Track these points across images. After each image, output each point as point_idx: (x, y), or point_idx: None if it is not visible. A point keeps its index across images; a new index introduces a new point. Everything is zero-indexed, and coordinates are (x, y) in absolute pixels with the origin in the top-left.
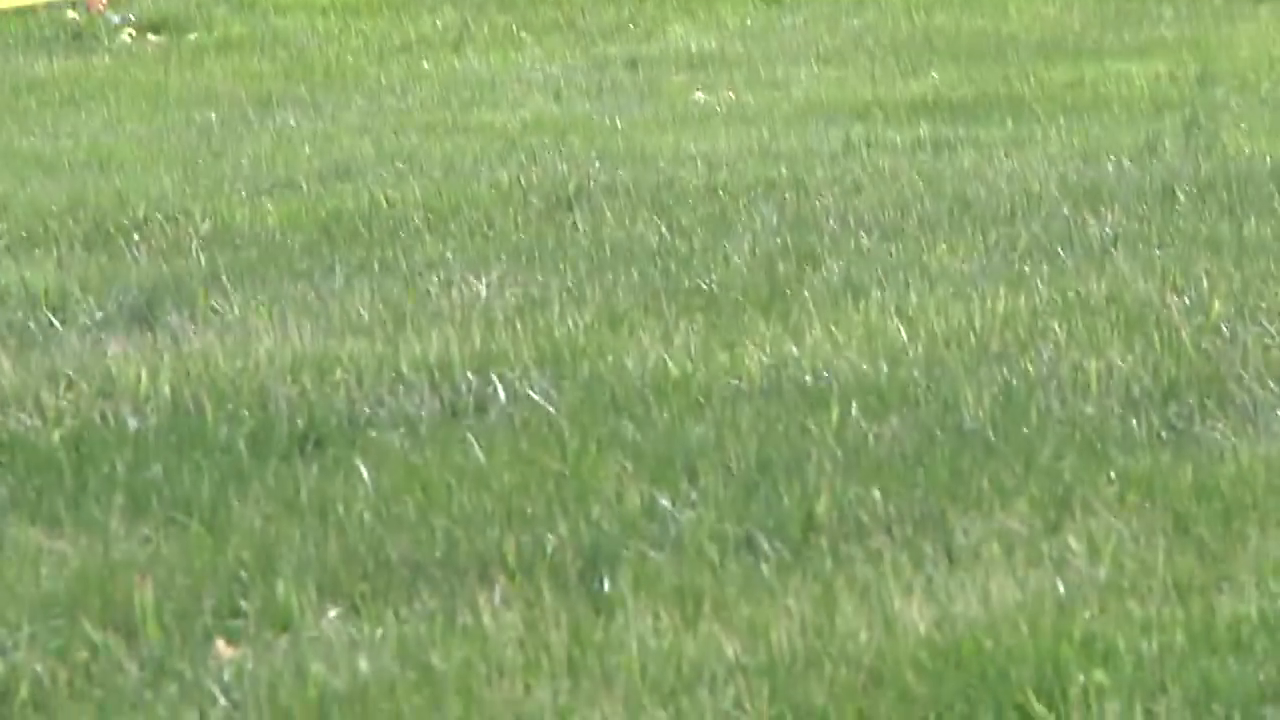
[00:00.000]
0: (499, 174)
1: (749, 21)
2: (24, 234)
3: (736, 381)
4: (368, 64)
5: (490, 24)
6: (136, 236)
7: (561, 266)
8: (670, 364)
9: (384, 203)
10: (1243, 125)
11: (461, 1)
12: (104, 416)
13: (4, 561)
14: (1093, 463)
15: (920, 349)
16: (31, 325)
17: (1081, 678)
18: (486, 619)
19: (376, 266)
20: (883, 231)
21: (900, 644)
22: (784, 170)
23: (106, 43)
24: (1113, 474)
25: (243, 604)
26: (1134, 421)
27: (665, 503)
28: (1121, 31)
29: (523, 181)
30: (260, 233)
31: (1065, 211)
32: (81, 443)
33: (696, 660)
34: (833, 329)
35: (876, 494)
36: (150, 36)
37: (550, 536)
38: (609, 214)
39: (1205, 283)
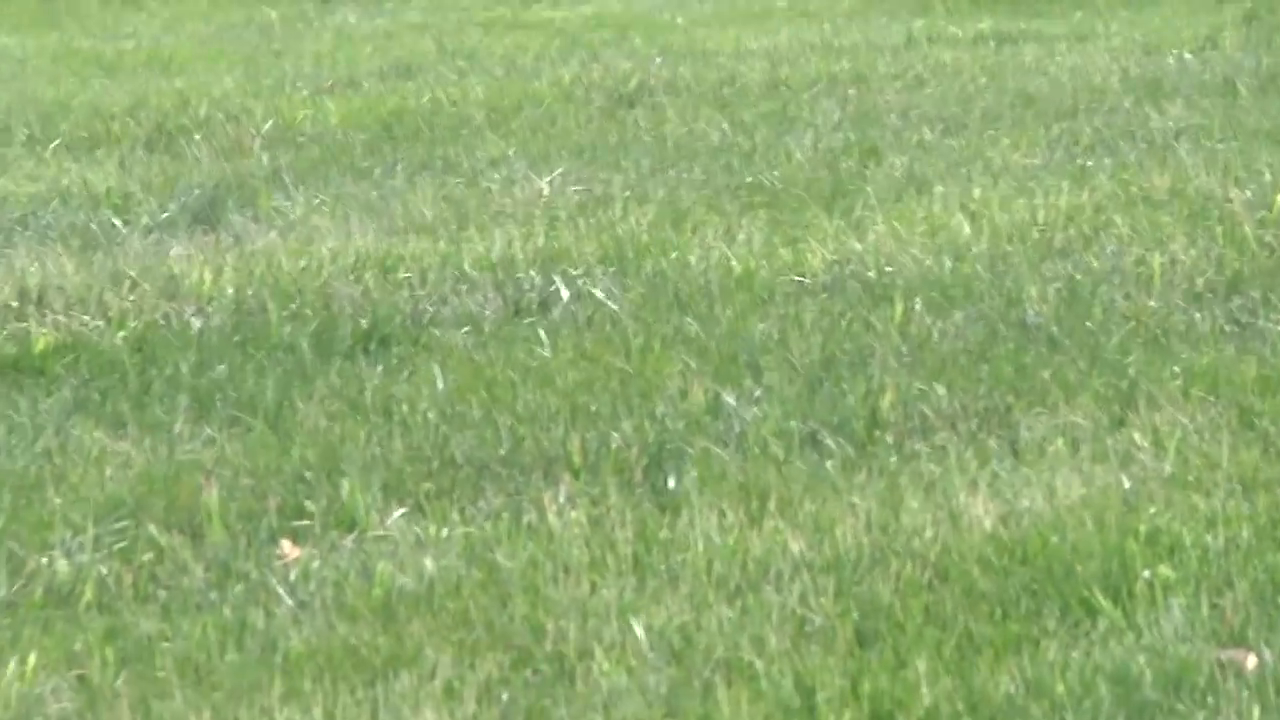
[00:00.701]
0: (560, 71)
1: None
2: (85, 135)
3: (800, 278)
4: None
5: None
6: (198, 136)
7: (623, 164)
8: (733, 260)
9: (446, 101)
10: None
11: None
12: (167, 317)
13: (69, 464)
14: (1157, 357)
15: (983, 244)
16: (94, 226)
17: (1146, 573)
18: (552, 517)
19: (439, 165)
20: (945, 126)
21: (965, 540)
22: (846, 65)
23: None
24: (1176, 368)
25: (308, 504)
26: (1197, 315)
27: (730, 400)
28: None
29: (584, 79)
30: (322, 131)
31: (1127, 105)
32: (145, 344)
33: (762, 557)
34: (895, 224)
35: (941, 390)
36: None
37: (615, 434)
38: (670, 111)
39: (1267, 176)
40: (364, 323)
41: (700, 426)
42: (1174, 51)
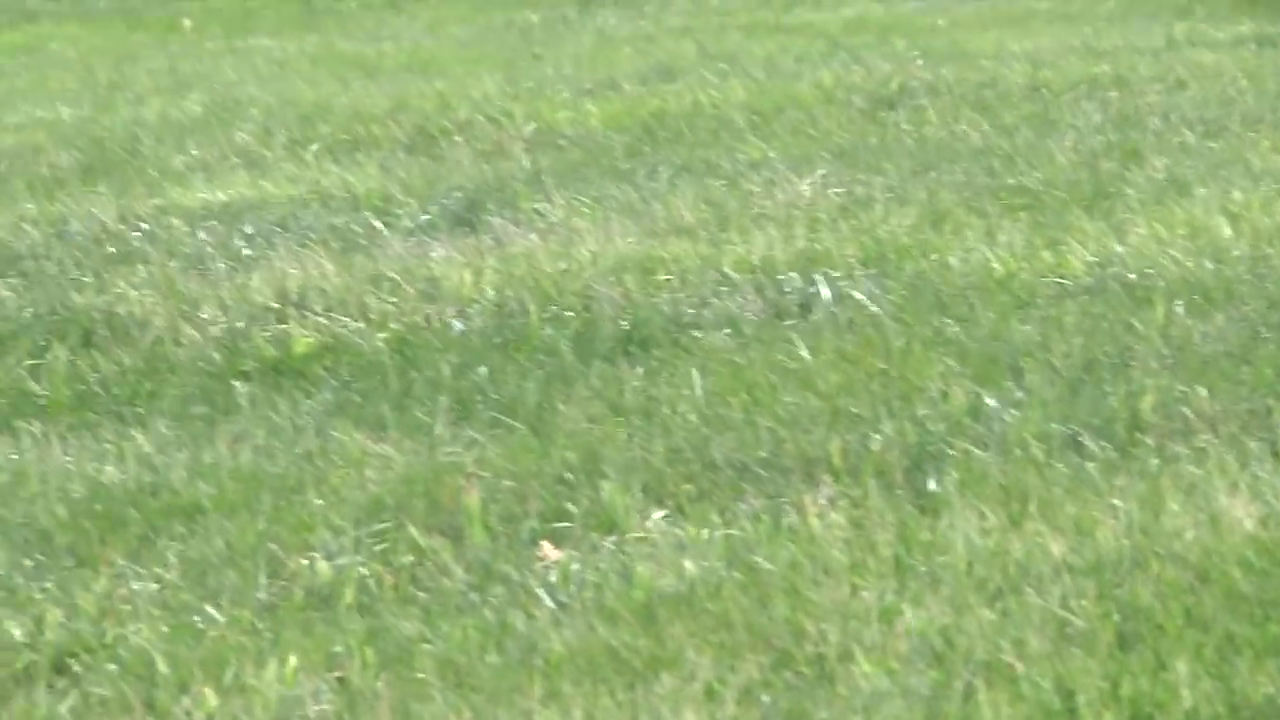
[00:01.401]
0: (821, 73)
1: None
2: (346, 137)
3: (1061, 279)
4: None
5: None
6: (459, 138)
7: (884, 165)
8: (994, 262)
9: (706, 103)
10: None
11: None
12: (428, 319)
13: (329, 466)
14: None
15: (1244, 246)
16: (354, 229)
17: None
18: (812, 519)
19: (700, 167)
20: (1206, 128)
21: (1226, 542)
22: (1106, 68)
23: None
24: None
25: (568, 506)
26: None
27: (991, 402)
28: None
29: (845, 81)
30: (582, 134)
31: None
32: (406, 346)
33: (1022, 560)
34: (1157, 226)
35: (1202, 392)
36: None
37: (875, 436)
38: (931, 112)
39: None
40: (624, 325)
41: (961, 428)
42: None
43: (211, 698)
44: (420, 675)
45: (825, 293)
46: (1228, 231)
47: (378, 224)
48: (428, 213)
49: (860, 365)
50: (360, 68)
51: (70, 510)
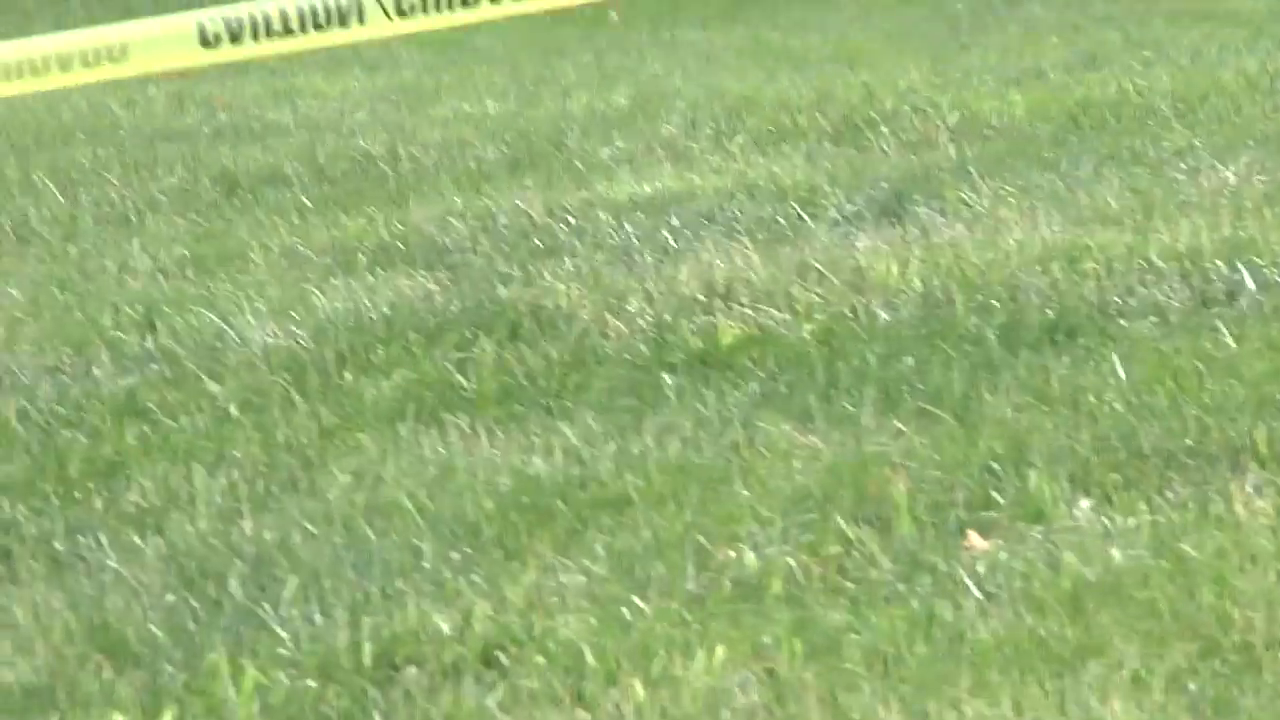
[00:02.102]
0: (1245, 61)
1: None
2: (772, 128)
3: None
4: None
5: None
6: (884, 129)
7: None
8: None
9: (1131, 91)
10: None
11: None
12: (854, 310)
13: (756, 456)
14: None
15: None
16: (780, 220)
17: None
18: (1239, 507)
19: (1124, 155)
20: None
21: None
22: None
23: None
24: None
25: (995, 496)
26: None
27: None
28: None
29: (1270, 68)
30: (1008, 123)
31: None
32: (832, 337)
33: None
34: None
35: None
36: None
37: None
38: None
39: None
40: (1050, 314)
41: None
42: None
43: (639, 689)
44: (848, 665)
45: (1250, 281)
46: None
47: (803, 215)
48: (853, 203)
49: None
50: (786, 59)
51: (498, 503)
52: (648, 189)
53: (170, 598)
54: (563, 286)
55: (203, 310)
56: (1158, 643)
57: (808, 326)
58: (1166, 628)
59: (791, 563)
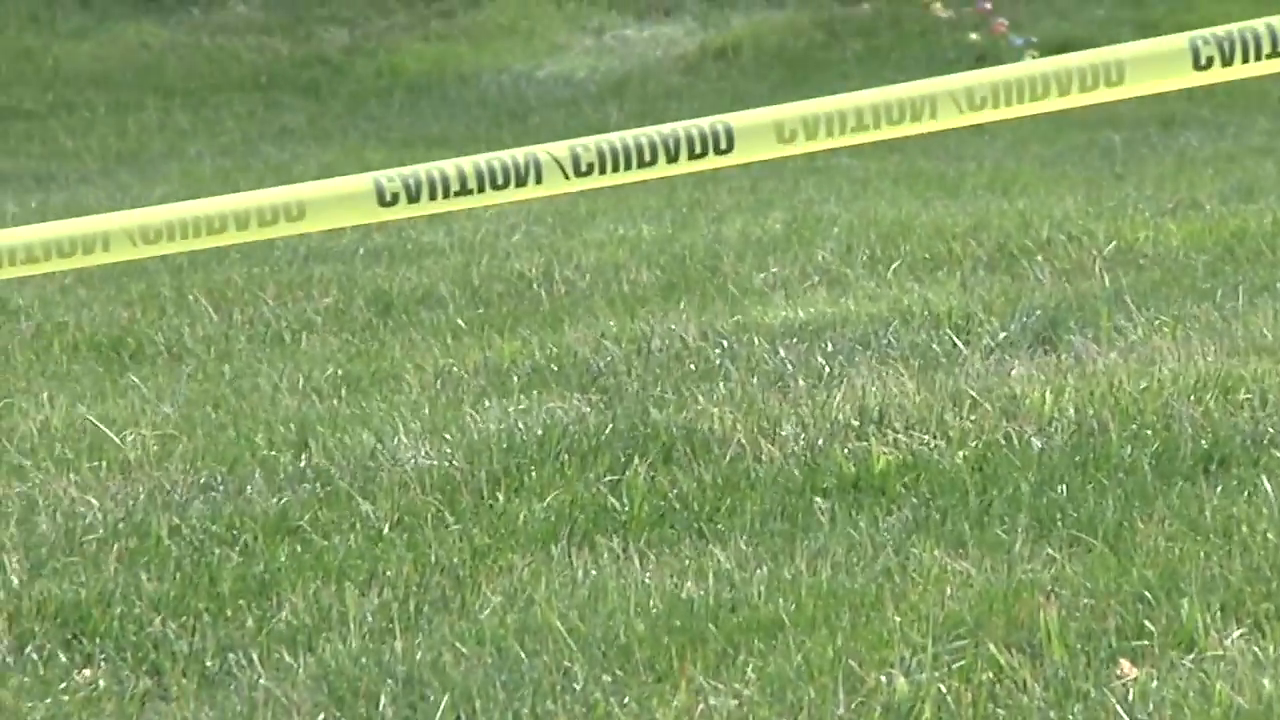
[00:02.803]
0: None
1: None
2: (927, 255)
3: None
4: (1269, 84)
5: None
6: (1039, 258)
7: None
8: None
9: None
10: None
11: None
12: (1008, 437)
13: (908, 582)
14: None
15: None
16: (935, 346)
17: None
18: None
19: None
20: None
21: None
22: None
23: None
24: None
25: (1147, 624)
26: None
27: None
28: None
29: None
30: (1163, 253)
31: None
32: (985, 464)
33: None
34: None
35: None
36: None
37: None
38: None
39: None
40: (1204, 443)
41: None
42: None
43: None
44: None
45: None
46: None
47: (958, 342)
48: (1007, 331)
49: None
50: (941, 187)
51: (649, 626)
52: (802, 314)
53: (321, 717)
54: (716, 410)
55: (356, 429)
56: None
57: (961, 453)
58: None
59: (943, 689)
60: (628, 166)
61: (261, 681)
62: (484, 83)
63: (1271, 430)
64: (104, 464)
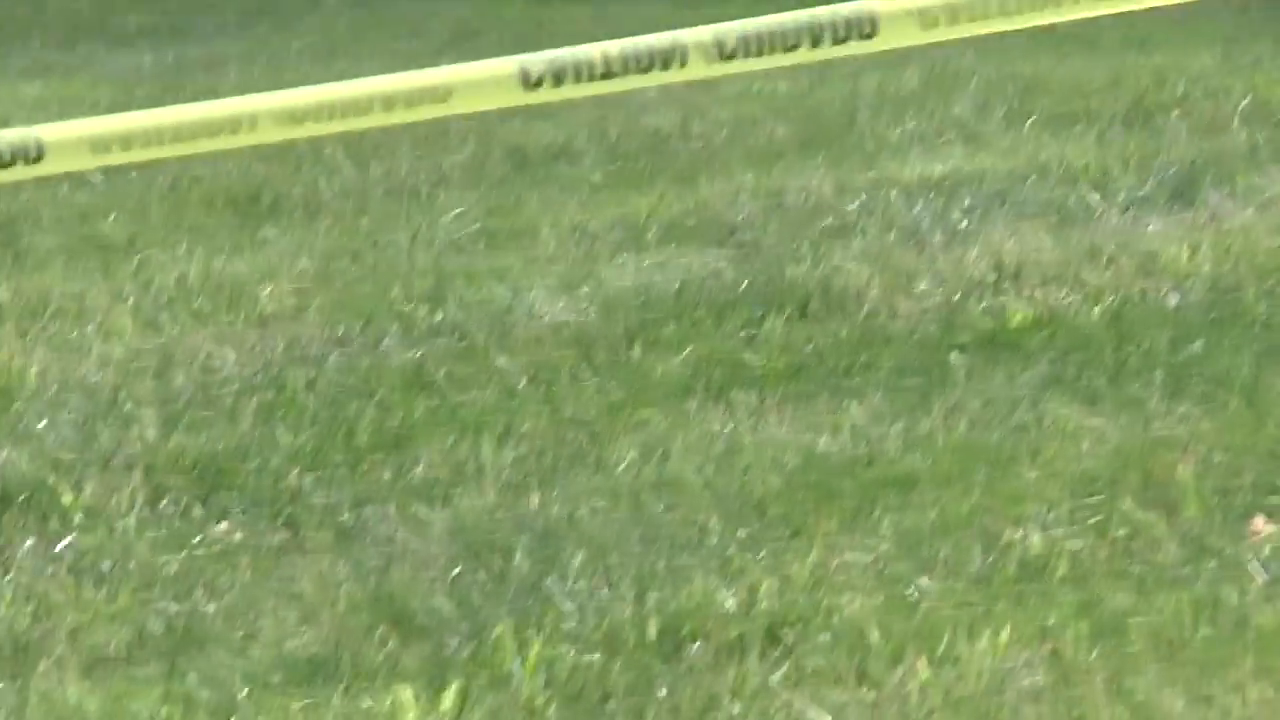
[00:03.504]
0: None
1: None
2: (1063, 111)
3: None
4: None
5: None
6: (1176, 113)
7: None
8: None
9: None
10: None
11: None
12: (1143, 294)
13: (1043, 438)
14: None
15: None
16: (1070, 203)
17: None
18: None
19: None
20: None
21: None
22: None
23: None
24: None
25: None
26: None
27: None
28: None
29: None
30: None
31: None
32: (1121, 320)
33: None
34: None
35: None
36: None
37: None
38: None
39: None
40: None
41: None
42: None
43: (924, 669)
44: (1132, 648)
45: None
46: None
47: (1093, 197)
48: (1144, 187)
49: None
50: (1078, 41)
51: (784, 480)
52: (938, 169)
53: (456, 570)
54: (851, 265)
55: (492, 284)
56: None
57: (1097, 309)
58: None
59: (1077, 544)
60: (771, 52)
61: (397, 534)
62: None
63: None
64: (240, 318)
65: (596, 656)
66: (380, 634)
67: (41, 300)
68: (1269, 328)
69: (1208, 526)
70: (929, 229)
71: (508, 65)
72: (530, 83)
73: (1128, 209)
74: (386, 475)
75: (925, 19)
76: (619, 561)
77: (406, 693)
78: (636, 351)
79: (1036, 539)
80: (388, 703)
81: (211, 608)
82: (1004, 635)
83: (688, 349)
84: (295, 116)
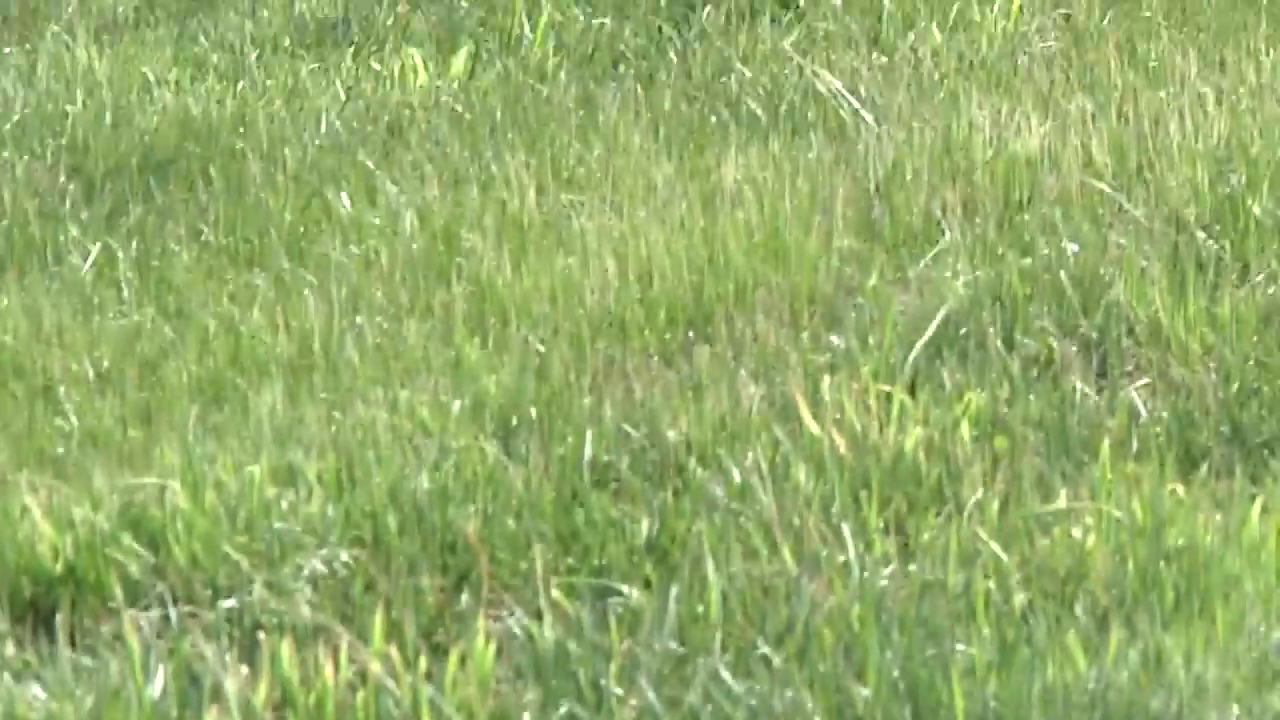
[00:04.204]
0: None
1: None
2: None
3: None
4: None
5: None
6: None
7: None
8: None
9: None
10: None
11: None
12: None
13: None
14: None
15: None
16: None
17: None
18: None
19: None
20: None
21: None
22: None
23: None
24: None
25: None
26: None
27: None
28: None
29: None
30: None
31: None
32: None
33: None
34: None
35: None
36: None
37: None
38: None
39: None
40: None
41: None
42: None
43: (936, 33)
44: (1145, 14)
45: None
46: None
47: None
48: None
49: None
50: None
51: None
52: None
53: None
54: None
55: None
56: None
57: None
58: None
59: None
60: None
61: None
62: None
63: None
64: None
65: (607, 20)
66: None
67: None
68: None
69: None
70: None
71: None
72: None
73: None
74: None
75: None
76: None
77: (416, 56)
78: None
79: None
80: (397, 66)
81: None
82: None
83: None
84: None
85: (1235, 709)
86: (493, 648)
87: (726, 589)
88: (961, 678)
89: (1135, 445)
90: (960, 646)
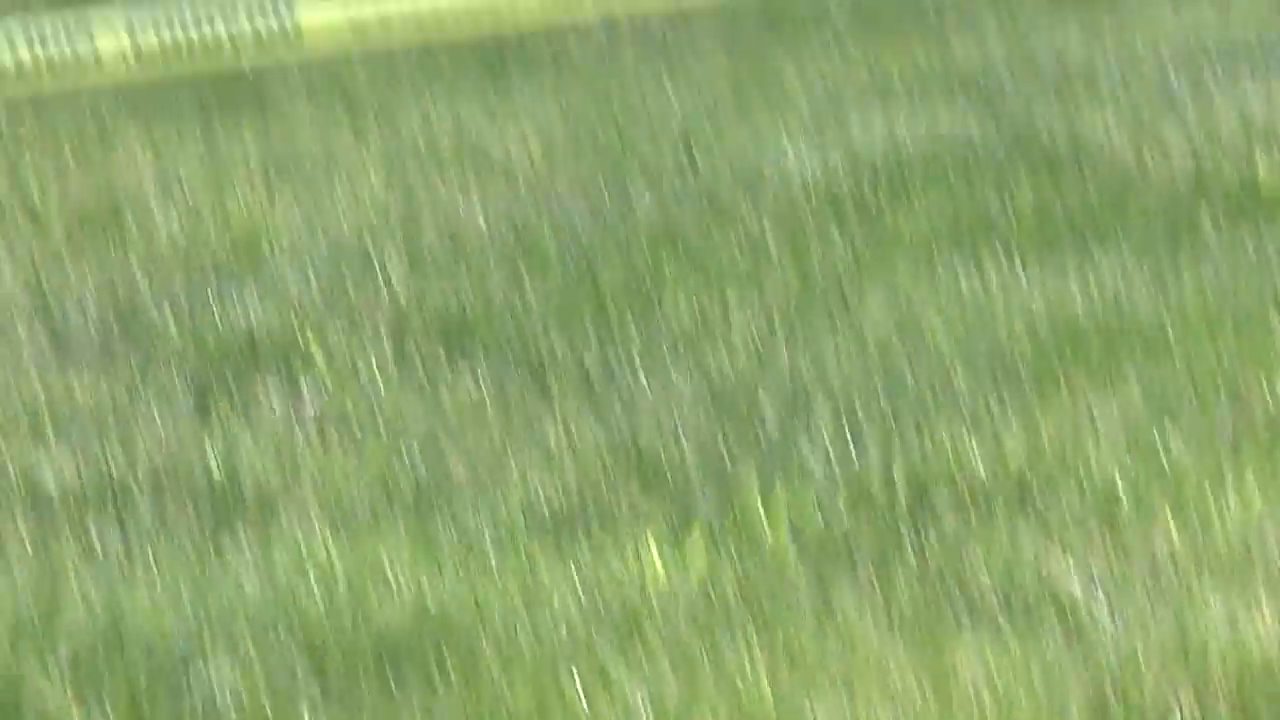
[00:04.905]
0: None
1: None
2: None
3: None
4: None
5: None
6: None
7: None
8: None
9: None
10: None
11: None
12: None
13: None
14: None
15: None
16: None
17: None
18: None
19: None
20: None
21: None
22: None
23: None
24: None
25: None
26: None
27: None
28: None
29: None
30: None
31: None
32: None
33: None
34: None
35: None
36: None
37: None
38: None
39: None
40: None
41: None
42: None
43: (1172, 526)
44: None
45: None
46: None
47: None
48: None
49: None
50: None
51: (1032, 337)
52: (1187, 23)
53: (702, 421)
54: (1101, 123)
55: (742, 141)
56: None
57: None
58: None
59: None
60: None
61: (643, 386)
62: None
63: None
64: (487, 171)
65: (842, 507)
66: (625, 484)
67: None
68: None
69: None
70: (1177, 88)
71: None
72: None
73: None
74: (634, 331)
75: None
76: (866, 417)
77: (653, 548)
78: (885, 210)
79: None
80: (630, 553)
81: (459, 464)
82: (1253, 494)
83: (936, 207)
84: None
85: None
86: None
87: None
88: None
89: None
90: None
